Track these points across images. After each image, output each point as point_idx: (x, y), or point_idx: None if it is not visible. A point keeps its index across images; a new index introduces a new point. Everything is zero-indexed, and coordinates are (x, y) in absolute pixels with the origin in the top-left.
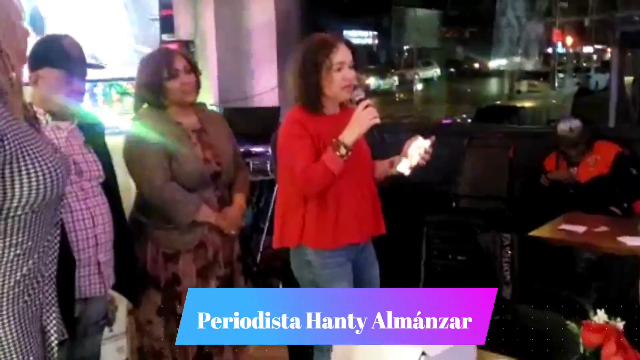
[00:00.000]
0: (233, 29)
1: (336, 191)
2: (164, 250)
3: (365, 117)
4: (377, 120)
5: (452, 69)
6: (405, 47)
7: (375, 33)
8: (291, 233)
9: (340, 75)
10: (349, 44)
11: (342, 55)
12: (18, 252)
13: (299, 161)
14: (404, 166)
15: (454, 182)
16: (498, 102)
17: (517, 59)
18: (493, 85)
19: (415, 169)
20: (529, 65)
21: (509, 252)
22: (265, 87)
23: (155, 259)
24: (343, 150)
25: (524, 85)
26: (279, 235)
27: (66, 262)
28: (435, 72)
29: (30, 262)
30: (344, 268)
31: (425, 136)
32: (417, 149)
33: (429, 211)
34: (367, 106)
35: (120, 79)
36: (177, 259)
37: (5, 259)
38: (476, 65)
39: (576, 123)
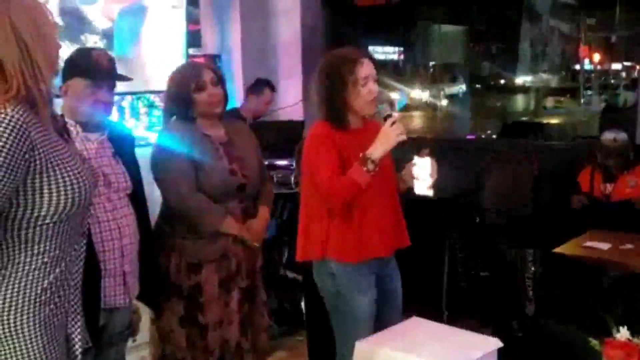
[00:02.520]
0: (259, 44)
1: (361, 205)
2: (187, 260)
3: (392, 133)
4: (404, 137)
5: (477, 85)
6: (430, 63)
7: (401, 48)
8: (315, 246)
9: (366, 89)
10: (372, 58)
11: (367, 69)
12: (45, 260)
13: (325, 173)
14: (423, 189)
15: (478, 196)
16: (524, 118)
17: (544, 75)
18: (519, 101)
19: (435, 186)
20: (556, 82)
21: (533, 268)
22: (291, 101)
23: (179, 269)
24: (371, 165)
25: (550, 102)
26: (303, 248)
27: (92, 272)
28: (460, 87)
29: (57, 270)
30: (368, 281)
31: (420, 153)
32: (422, 170)
33: (452, 225)
34: (394, 122)
35: (148, 91)
36: (200, 269)
37: (32, 266)
38: (502, 81)
39: (621, 134)
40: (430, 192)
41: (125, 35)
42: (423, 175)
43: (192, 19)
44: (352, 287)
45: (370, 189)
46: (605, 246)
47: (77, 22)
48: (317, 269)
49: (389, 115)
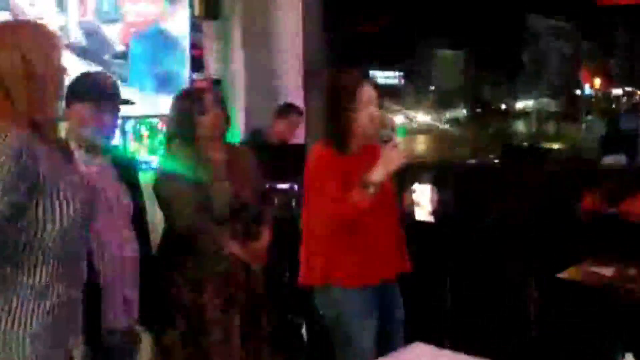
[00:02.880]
0: (261, 68)
1: (362, 228)
2: (189, 280)
3: (393, 157)
4: (405, 161)
5: (477, 109)
6: (430, 87)
7: (401, 73)
8: (316, 271)
9: (366, 112)
10: (373, 82)
11: (368, 92)
12: (47, 281)
13: (327, 194)
14: (424, 215)
15: (479, 221)
16: (524, 143)
17: (544, 100)
18: (519, 125)
19: (436, 213)
20: (556, 106)
21: (536, 292)
22: None
23: (180, 289)
24: (371, 189)
25: (550, 126)
26: (304, 273)
27: (93, 294)
28: (461, 112)
29: (60, 289)
30: (370, 306)
31: (420, 179)
32: (423, 196)
33: (454, 248)
34: (395, 146)
35: (150, 115)
36: (201, 290)
37: (35, 288)
38: (502, 105)
39: (623, 158)
40: (430, 218)
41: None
42: (423, 202)
43: (195, 44)
44: (354, 312)
45: (372, 212)
46: (611, 271)
47: (98, 43)
48: (319, 293)
49: (389, 139)
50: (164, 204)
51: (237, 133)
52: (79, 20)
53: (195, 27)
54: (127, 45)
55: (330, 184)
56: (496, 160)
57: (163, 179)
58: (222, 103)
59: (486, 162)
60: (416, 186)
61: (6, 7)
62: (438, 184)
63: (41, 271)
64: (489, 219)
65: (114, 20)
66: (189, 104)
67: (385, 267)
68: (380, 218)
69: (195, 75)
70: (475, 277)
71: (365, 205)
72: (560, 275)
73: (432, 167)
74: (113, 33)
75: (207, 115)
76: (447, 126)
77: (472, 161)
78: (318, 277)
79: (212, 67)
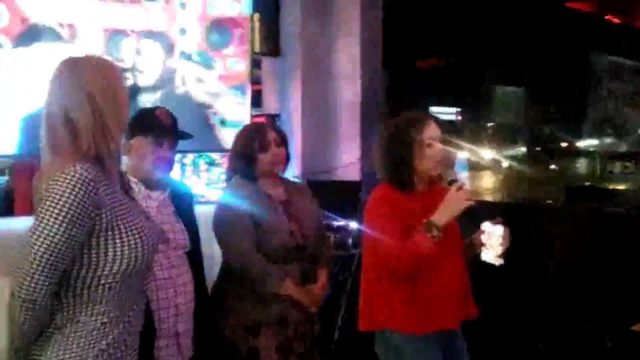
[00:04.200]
0: (319, 105)
1: (426, 272)
2: (245, 322)
3: (458, 199)
4: (471, 203)
5: (537, 148)
6: (489, 124)
7: (460, 110)
8: (377, 315)
9: (431, 151)
10: (437, 120)
11: (432, 130)
12: (105, 320)
13: (387, 241)
14: (491, 257)
15: (543, 264)
16: (587, 183)
17: (609, 139)
18: (582, 165)
19: (504, 255)
20: (622, 146)
21: (605, 345)
22: (348, 161)
23: (236, 331)
24: (435, 232)
25: (616, 167)
26: (365, 318)
27: (147, 331)
28: (520, 150)
29: (116, 331)
30: (434, 355)
31: (492, 219)
32: (493, 237)
33: (515, 294)
34: (460, 187)
35: (209, 150)
36: (257, 333)
37: (92, 327)
38: (563, 144)
39: None
40: (499, 261)
41: None
42: (493, 243)
43: (253, 80)
44: None
45: (436, 255)
46: None
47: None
48: (380, 340)
49: (454, 180)
50: (223, 240)
51: (293, 169)
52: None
53: (254, 64)
54: None
55: (391, 227)
56: (559, 201)
57: (223, 215)
58: (283, 140)
59: (549, 202)
60: (487, 226)
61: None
62: (504, 224)
63: (100, 309)
64: (553, 264)
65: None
66: (251, 140)
67: (450, 314)
68: (445, 260)
69: (253, 111)
70: (538, 323)
71: (429, 250)
72: (635, 328)
73: (494, 206)
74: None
75: (268, 152)
76: (507, 164)
77: (535, 201)
78: (378, 322)
79: (270, 102)
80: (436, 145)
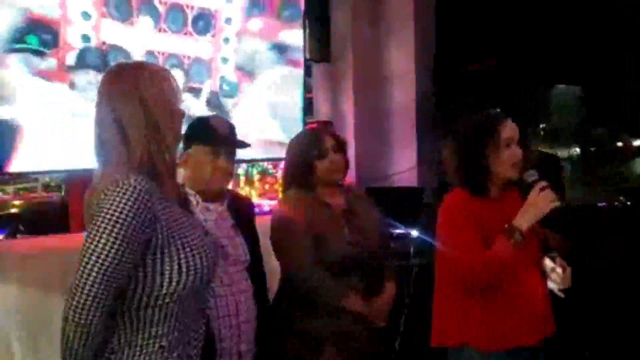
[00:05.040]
0: (372, 110)
1: (506, 282)
2: (308, 339)
3: (543, 201)
4: (557, 204)
5: (592, 149)
6: (541, 126)
7: (513, 111)
8: (451, 330)
9: (509, 151)
10: (514, 120)
11: (510, 130)
12: (163, 344)
13: (462, 250)
14: (554, 288)
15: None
16: None
17: None
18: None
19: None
20: None
21: None
22: (403, 167)
23: (299, 349)
24: (518, 237)
25: None
26: (438, 332)
27: (207, 351)
28: (574, 151)
29: (175, 354)
30: None
31: (550, 255)
32: (553, 274)
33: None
34: (543, 187)
35: (263, 159)
36: (321, 350)
37: (149, 349)
38: (619, 144)
39: None
40: (561, 294)
41: None
42: (555, 278)
43: (305, 88)
44: None
45: (517, 265)
46: None
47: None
48: (454, 357)
49: (536, 181)
50: (281, 253)
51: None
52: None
53: (305, 71)
54: None
55: (467, 238)
56: (617, 202)
57: (280, 226)
58: (341, 146)
59: (607, 203)
60: (547, 261)
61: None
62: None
63: (157, 331)
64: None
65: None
66: (307, 147)
67: (530, 330)
68: (524, 275)
69: (306, 119)
70: (616, 335)
71: (510, 257)
72: None
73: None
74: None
75: (326, 159)
76: (564, 165)
77: (595, 203)
78: (453, 338)
79: (322, 109)
80: (513, 145)
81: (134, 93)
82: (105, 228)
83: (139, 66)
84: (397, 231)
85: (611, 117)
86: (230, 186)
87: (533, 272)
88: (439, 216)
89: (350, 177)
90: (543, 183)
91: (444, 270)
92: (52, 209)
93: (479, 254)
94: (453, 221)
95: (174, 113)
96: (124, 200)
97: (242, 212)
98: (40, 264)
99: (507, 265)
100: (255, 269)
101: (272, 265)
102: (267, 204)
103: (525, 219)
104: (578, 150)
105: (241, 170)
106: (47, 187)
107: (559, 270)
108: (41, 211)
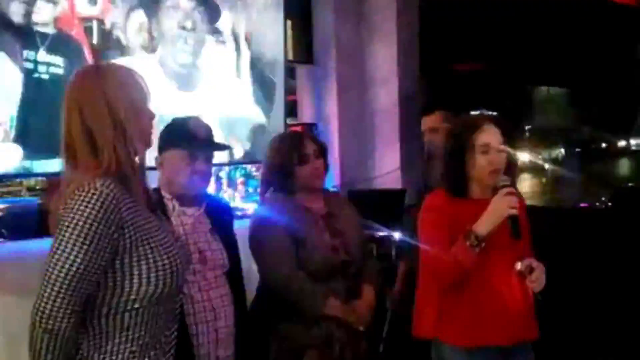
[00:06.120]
0: (356, 112)
1: (476, 281)
2: (288, 346)
3: (501, 206)
4: (514, 212)
5: (577, 149)
6: (527, 127)
7: (499, 112)
8: (427, 325)
9: (485, 158)
10: (500, 124)
11: (487, 136)
12: (134, 348)
13: (433, 251)
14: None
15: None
16: (630, 184)
17: None
18: (624, 166)
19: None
20: None
21: None
22: (387, 169)
23: (279, 355)
24: (474, 241)
25: None
26: (416, 324)
27: (185, 358)
28: (560, 152)
29: (146, 359)
30: None
31: (521, 261)
32: (528, 275)
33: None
34: (508, 193)
35: (245, 162)
36: (301, 356)
37: (120, 356)
38: (603, 144)
39: None
40: (538, 297)
41: None
42: (527, 280)
43: (288, 90)
44: None
45: (489, 265)
46: None
47: None
48: (433, 348)
49: (506, 185)
50: (260, 259)
51: (332, 180)
52: None
53: (288, 72)
54: None
55: (437, 235)
56: (608, 204)
57: (259, 231)
58: (322, 151)
59: (596, 205)
60: (517, 264)
61: None
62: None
63: (127, 336)
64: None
65: None
66: (288, 152)
67: (504, 328)
68: (501, 276)
69: (288, 120)
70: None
71: (470, 261)
72: None
73: (539, 212)
74: None
75: (308, 165)
76: (549, 166)
77: (581, 204)
78: (428, 331)
79: (306, 112)
80: (492, 151)
81: (99, 95)
82: (71, 234)
83: (105, 68)
84: (380, 233)
85: (597, 118)
86: (210, 190)
87: (513, 275)
88: (419, 215)
89: (335, 178)
90: (509, 189)
91: (423, 266)
92: (33, 213)
93: (443, 256)
94: (429, 219)
95: (142, 117)
96: (90, 205)
97: (220, 216)
98: (19, 269)
99: (466, 267)
100: (235, 275)
101: (251, 268)
102: (251, 208)
103: (484, 223)
104: (563, 151)
105: (224, 173)
106: (32, 190)
107: (533, 274)
108: (22, 215)
